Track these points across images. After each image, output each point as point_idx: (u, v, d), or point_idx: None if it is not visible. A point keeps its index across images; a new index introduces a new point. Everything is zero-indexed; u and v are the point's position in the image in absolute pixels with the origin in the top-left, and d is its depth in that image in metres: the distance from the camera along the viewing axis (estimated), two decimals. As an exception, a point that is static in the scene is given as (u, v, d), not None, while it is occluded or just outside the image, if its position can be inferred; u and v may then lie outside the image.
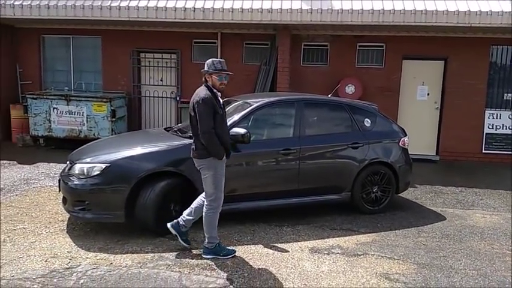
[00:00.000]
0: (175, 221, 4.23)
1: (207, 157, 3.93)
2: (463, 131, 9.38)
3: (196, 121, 3.94)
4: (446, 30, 8.96)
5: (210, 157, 3.92)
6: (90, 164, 4.45)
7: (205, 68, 4.03)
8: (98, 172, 4.36)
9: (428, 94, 9.66)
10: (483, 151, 9.45)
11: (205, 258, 4.02)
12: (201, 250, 4.12)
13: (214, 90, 4.00)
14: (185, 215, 4.21)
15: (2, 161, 7.59)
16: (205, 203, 4.02)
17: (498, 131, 9.36)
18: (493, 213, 5.81)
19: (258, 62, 9.75)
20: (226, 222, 4.91)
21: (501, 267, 4.13)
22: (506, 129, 9.35)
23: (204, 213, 4.04)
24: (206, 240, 4.07)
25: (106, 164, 4.39)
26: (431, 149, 9.68)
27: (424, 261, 4.19)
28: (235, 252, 4.14)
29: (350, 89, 9.22)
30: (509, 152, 9.36)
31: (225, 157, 4.00)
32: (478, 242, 4.75)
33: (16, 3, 8.95)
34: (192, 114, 3.99)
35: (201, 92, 3.97)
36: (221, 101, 4.08)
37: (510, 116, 9.35)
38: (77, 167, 4.50)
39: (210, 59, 4.10)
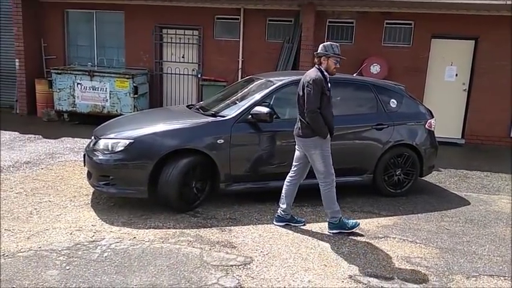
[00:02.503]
0: (276, 216, 4.42)
1: (312, 136, 4.08)
2: (490, 114, 9.08)
3: (303, 101, 4.06)
4: (479, 8, 8.58)
5: (315, 136, 4.06)
6: (114, 140, 4.50)
7: (323, 51, 4.15)
8: (122, 148, 4.40)
9: (456, 75, 9.34)
10: (511, 135, 9.15)
11: (331, 233, 4.23)
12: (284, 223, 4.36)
13: (325, 73, 4.13)
14: (280, 204, 4.40)
15: (27, 135, 7.77)
16: (320, 182, 4.20)
17: (528, 115, 9.03)
18: (519, 200, 5.66)
19: (281, 40, 9.58)
20: (246, 201, 4.95)
21: (527, 255, 4.04)
22: (537, 113, 9.01)
23: (321, 191, 4.23)
24: (329, 216, 4.25)
25: (130, 140, 4.42)
26: (457, 131, 9.43)
27: (447, 245, 4.13)
28: (359, 224, 4.33)
29: (375, 68, 8.99)
30: (539, 137, 9.05)
31: (328, 136, 4.11)
32: (503, 228, 4.64)
33: (41, -23, 8.98)
34: (301, 94, 4.14)
35: (312, 73, 4.11)
36: (329, 84, 4.18)
37: (542, 100, 8.99)
38: (102, 142, 4.56)
39: (328, 43, 4.21)
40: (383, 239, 4.22)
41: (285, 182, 4.41)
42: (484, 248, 4.12)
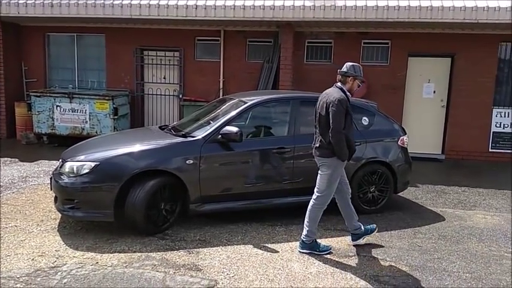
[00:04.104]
0: (351, 234, 4.44)
1: (331, 156, 4.02)
2: (469, 129, 9.17)
3: (326, 120, 4.02)
4: (453, 27, 8.77)
5: (333, 157, 4.00)
6: (79, 163, 4.43)
7: (352, 71, 4.11)
8: (87, 170, 4.34)
9: (434, 92, 9.47)
10: (490, 150, 9.23)
11: (301, 253, 4.16)
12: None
13: (347, 93, 4.10)
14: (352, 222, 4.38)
15: (3, 159, 7.67)
16: (314, 197, 4.16)
17: (506, 130, 9.13)
18: (494, 214, 5.65)
19: (261, 60, 9.67)
20: (217, 222, 4.88)
21: (497, 270, 3.99)
22: (514, 127, 9.12)
23: (310, 207, 4.19)
24: (304, 233, 4.17)
25: (95, 163, 4.36)
26: (436, 147, 9.49)
27: (417, 263, 4.09)
28: (330, 248, 4.24)
29: (354, 86, 9.06)
30: (518, 151, 9.13)
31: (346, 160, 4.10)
32: (475, 244, 4.61)
33: (20, 1, 9.04)
34: (323, 113, 4.07)
35: (336, 93, 4.06)
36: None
37: (519, 115, 9.11)
38: (67, 165, 4.49)
39: (357, 64, 4.19)
40: (353, 257, 4.17)
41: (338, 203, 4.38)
42: (454, 265, 4.07)
